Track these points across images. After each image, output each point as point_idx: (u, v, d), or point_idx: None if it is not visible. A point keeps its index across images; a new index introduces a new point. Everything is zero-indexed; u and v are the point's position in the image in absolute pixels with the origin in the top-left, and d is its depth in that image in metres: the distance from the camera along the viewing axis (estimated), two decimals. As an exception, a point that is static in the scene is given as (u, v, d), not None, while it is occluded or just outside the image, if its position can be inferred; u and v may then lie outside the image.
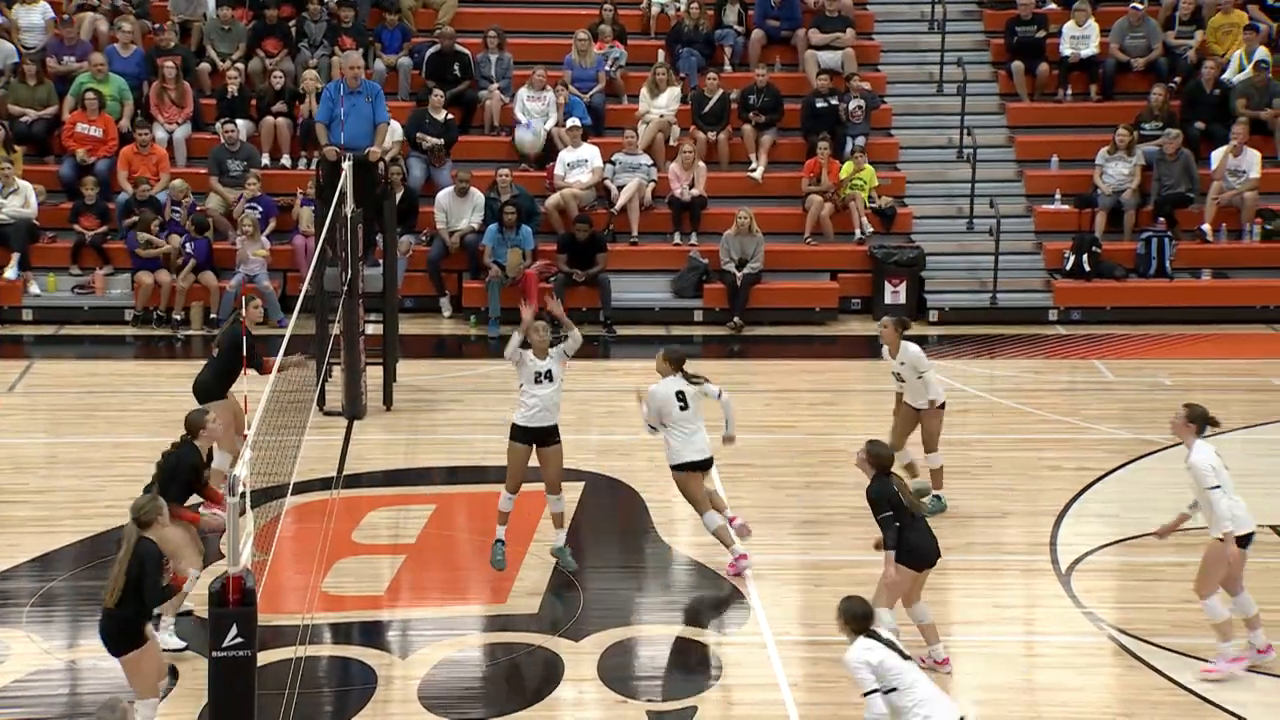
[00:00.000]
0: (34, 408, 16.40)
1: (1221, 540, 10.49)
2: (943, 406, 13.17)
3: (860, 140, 20.76)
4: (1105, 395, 17.07)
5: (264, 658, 9.21)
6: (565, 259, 19.33)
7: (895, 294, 19.81)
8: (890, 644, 8.62)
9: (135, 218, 19.21)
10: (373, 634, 11.33)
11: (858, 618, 8.66)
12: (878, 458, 10.42)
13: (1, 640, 11.07)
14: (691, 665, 10.97)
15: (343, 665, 10.84)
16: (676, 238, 20.24)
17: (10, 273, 19.18)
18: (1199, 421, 10.59)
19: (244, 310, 13.00)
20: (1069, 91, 21.98)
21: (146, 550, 9.22)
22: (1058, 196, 20.83)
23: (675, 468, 12.08)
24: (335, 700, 10.45)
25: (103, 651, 10.81)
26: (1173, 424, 10.76)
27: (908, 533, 10.30)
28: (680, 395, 12.00)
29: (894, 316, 13.31)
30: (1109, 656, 10.94)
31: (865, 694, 8.52)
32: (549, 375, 11.96)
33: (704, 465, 12.09)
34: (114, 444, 14.68)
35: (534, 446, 12.02)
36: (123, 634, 9.27)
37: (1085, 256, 19.91)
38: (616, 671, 10.75)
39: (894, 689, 8.47)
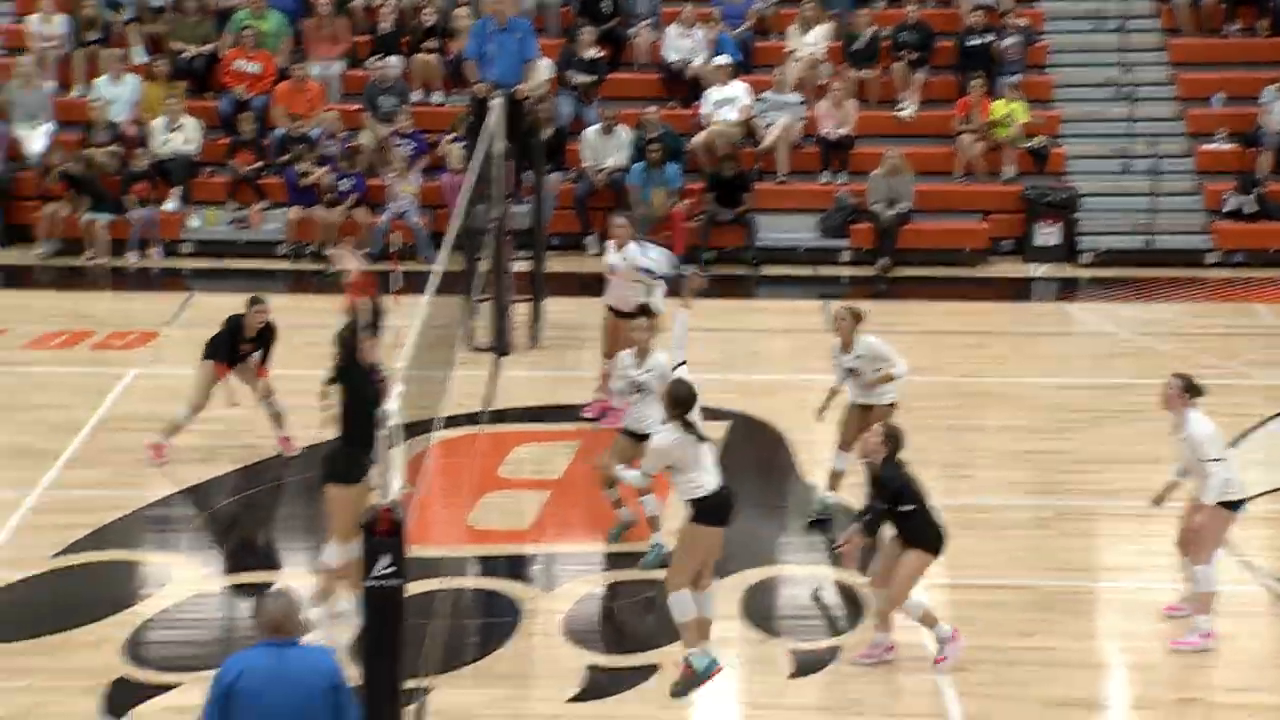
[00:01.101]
0: (192, 340, 16.75)
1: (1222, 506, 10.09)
2: (894, 405, 11.70)
3: (1015, 78, 20.36)
4: (1265, 340, 16.61)
5: (410, 589, 9.35)
6: (712, 197, 19.27)
7: (1047, 235, 19.46)
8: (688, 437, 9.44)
9: (289, 154, 19.53)
10: (517, 568, 11.47)
11: (679, 402, 9.52)
12: (896, 440, 9.80)
13: (163, 564, 11.41)
14: (834, 604, 10.95)
15: (487, 598, 10.99)
16: (825, 177, 20.07)
17: (171, 204, 19.64)
18: (1192, 392, 10.20)
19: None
20: (1236, 26, 21.32)
21: None
22: (1221, 135, 20.26)
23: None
24: (480, 632, 10.61)
25: (257, 577, 11.11)
26: (1166, 397, 10.18)
27: (933, 515, 9.86)
28: None
29: (849, 306, 11.80)
30: (1262, 605, 10.70)
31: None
32: None
33: None
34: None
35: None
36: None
37: (1250, 197, 19.37)
38: (759, 610, 10.76)
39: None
